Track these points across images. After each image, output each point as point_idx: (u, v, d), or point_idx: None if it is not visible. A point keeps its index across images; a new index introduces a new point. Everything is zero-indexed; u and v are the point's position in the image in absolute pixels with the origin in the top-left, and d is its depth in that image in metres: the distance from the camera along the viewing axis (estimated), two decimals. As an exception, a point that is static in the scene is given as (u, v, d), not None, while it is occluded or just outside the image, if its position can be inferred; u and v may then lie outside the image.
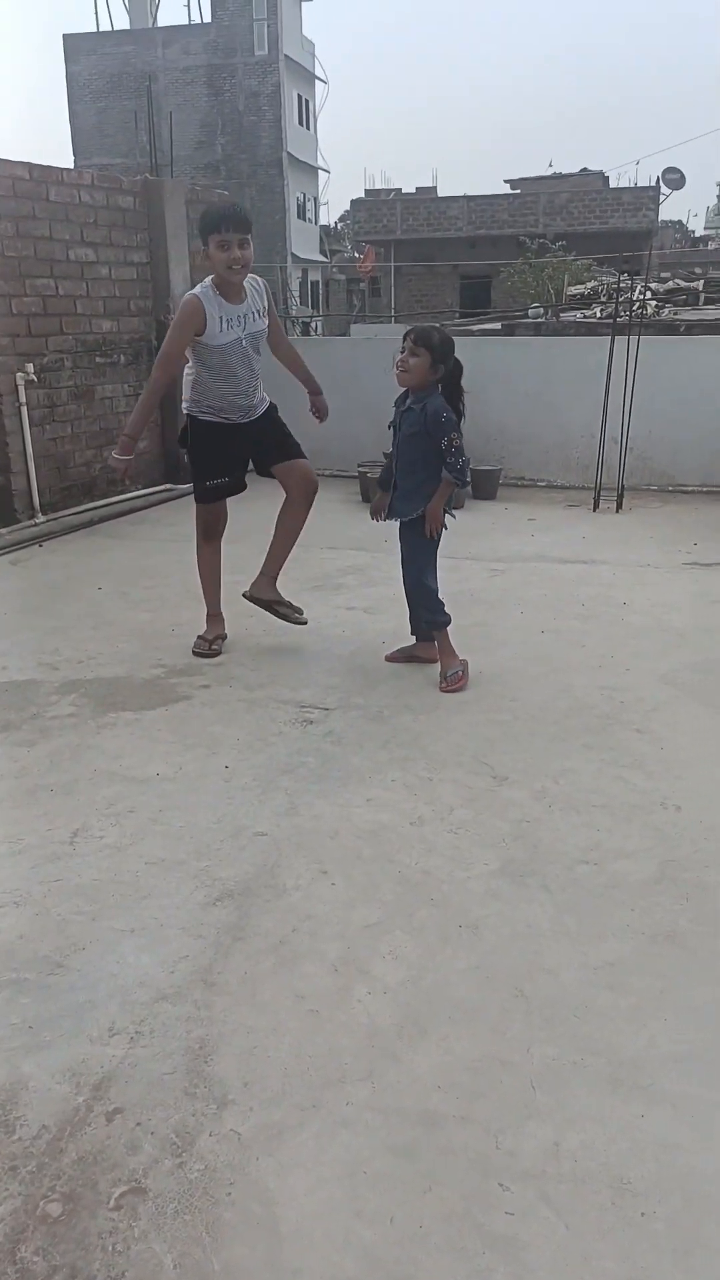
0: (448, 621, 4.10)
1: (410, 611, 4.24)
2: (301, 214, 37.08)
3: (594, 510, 7.24)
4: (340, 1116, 1.93)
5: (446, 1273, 1.62)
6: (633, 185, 34.49)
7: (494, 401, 8.22)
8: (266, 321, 4.26)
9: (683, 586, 5.32)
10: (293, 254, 35.52)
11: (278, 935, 2.48)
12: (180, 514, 7.30)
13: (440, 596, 4.12)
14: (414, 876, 2.72)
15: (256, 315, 4.19)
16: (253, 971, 2.35)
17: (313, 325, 28.17)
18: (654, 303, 13.72)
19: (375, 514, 4.25)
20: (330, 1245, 1.66)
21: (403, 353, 3.87)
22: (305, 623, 4.57)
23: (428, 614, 4.14)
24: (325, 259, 40.36)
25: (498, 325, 14.72)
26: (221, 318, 4.05)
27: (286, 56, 34.51)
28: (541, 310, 17.58)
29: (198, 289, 4.07)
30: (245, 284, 4.11)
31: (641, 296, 12.16)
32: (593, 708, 3.80)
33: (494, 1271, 1.61)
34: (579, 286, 19.16)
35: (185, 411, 4.31)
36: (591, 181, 35.91)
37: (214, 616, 4.57)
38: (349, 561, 5.89)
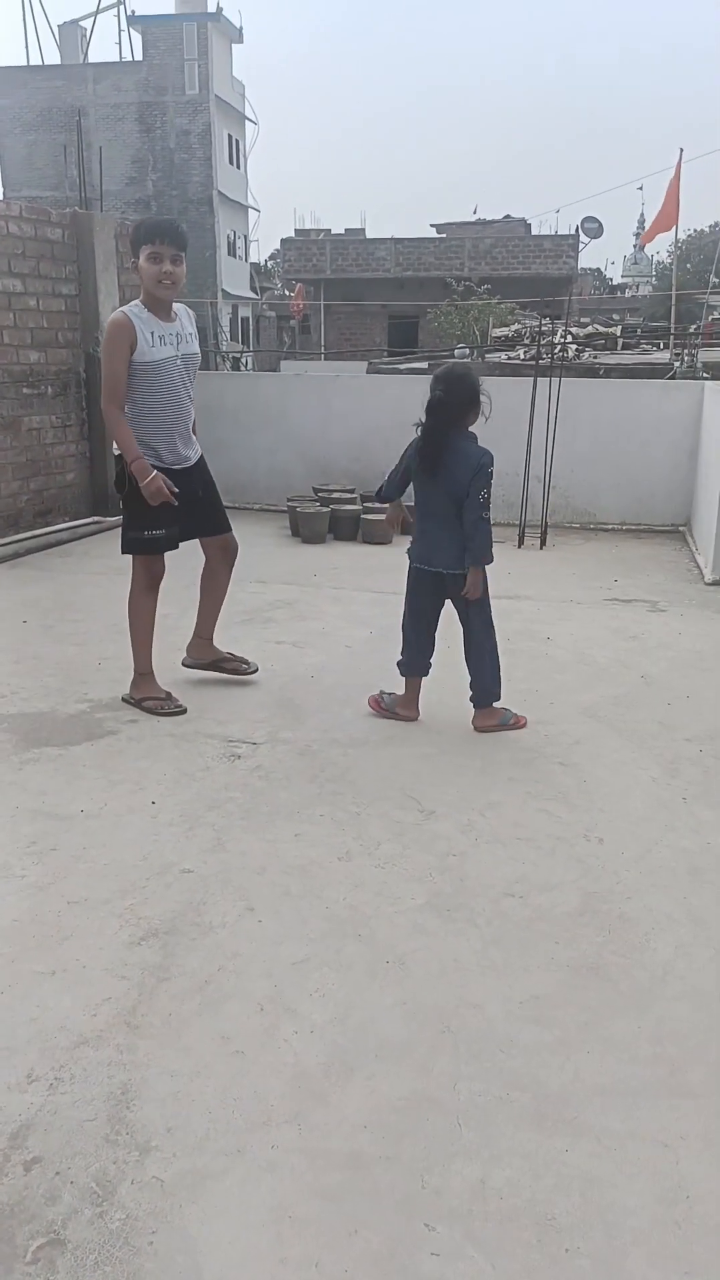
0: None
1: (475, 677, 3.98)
2: (232, 251, 37.31)
3: (519, 547, 7.37)
4: (265, 1161, 1.90)
5: (373, 1317, 1.60)
6: (554, 233, 35.52)
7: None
8: (197, 348, 4.12)
9: (603, 622, 5.43)
10: (223, 290, 35.67)
11: (203, 975, 2.45)
12: (106, 546, 7.24)
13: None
14: (341, 912, 2.71)
15: (189, 338, 4.05)
16: (177, 1013, 2.31)
17: (243, 361, 28.28)
18: (574, 346, 14.10)
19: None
20: (255, 1293, 1.63)
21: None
22: (255, 669, 4.45)
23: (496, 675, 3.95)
24: (256, 296, 40.63)
25: (425, 365, 14.96)
26: (153, 333, 3.89)
27: (217, 96, 34.86)
28: (468, 351, 17.93)
29: (124, 308, 3.92)
30: (176, 307, 4.01)
31: (563, 340, 12.48)
32: (517, 741, 3.85)
33: (420, 1314, 1.60)
34: (503, 329, 19.60)
35: (119, 454, 3.98)
36: (515, 228, 36.92)
37: (146, 676, 4.18)
38: (278, 596, 5.90)
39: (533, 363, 8.81)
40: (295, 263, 35.71)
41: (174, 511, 4.01)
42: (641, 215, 60.77)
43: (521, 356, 13.72)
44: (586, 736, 3.89)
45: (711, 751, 3.76)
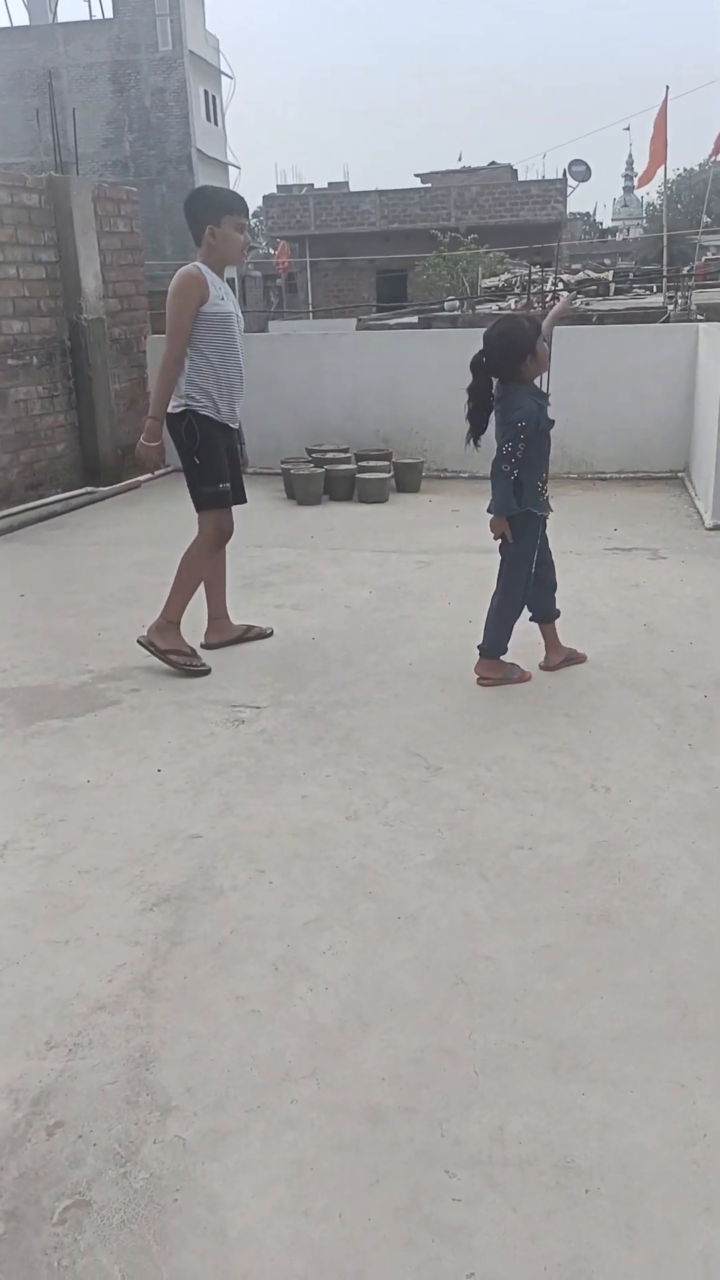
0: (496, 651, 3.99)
1: (549, 601, 4.09)
2: (214, 210, 36.74)
3: (516, 500, 7.31)
4: (285, 1116, 1.92)
5: (396, 1265, 1.62)
6: (540, 178, 34.94)
7: (414, 394, 8.27)
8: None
9: (604, 572, 5.40)
10: (207, 251, 35.18)
11: (216, 938, 2.46)
12: (101, 517, 7.21)
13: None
14: (351, 871, 2.73)
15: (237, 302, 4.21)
16: (192, 976, 2.32)
17: (230, 323, 27.88)
18: (566, 293, 13.90)
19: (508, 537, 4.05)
20: (279, 1246, 1.66)
21: (541, 348, 3.89)
22: (271, 632, 4.56)
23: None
24: (240, 255, 40.09)
25: (415, 319, 14.80)
26: (219, 289, 4.05)
27: (191, 52, 34.15)
28: (457, 303, 17.72)
29: (189, 266, 4.03)
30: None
31: (554, 288, 12.33)
32: (522, 694, 3.85)
33: (442, 1260, 1.62)
34: (493, 279, 19.35)
35: (183, 409, 4.04)
36: (500, 175, 36.29)
37: (175, 625, 4.20)
38: (276, 559, 5.87)
39: (525, 312, 8.70)
40: (279, 220, 35.19)
41: (227, 468, 4.21)
42: (630, 156, 59.83)
43: (513, 306, 13.55)
44: (591, 687, 3.88)
45: (716, 697, 3.75)
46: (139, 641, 4.22)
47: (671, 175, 40.64)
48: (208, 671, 4.16)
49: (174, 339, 3.99)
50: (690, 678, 3.93)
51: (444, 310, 16.96)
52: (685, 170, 47.28)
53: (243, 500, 4.38)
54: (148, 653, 4.18)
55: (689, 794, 3.07)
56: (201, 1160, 1.83)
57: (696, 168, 44.85)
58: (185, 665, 4.15)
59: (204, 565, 4.30)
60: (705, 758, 3.29)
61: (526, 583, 3.97)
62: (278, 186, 39.16)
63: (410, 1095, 1.96)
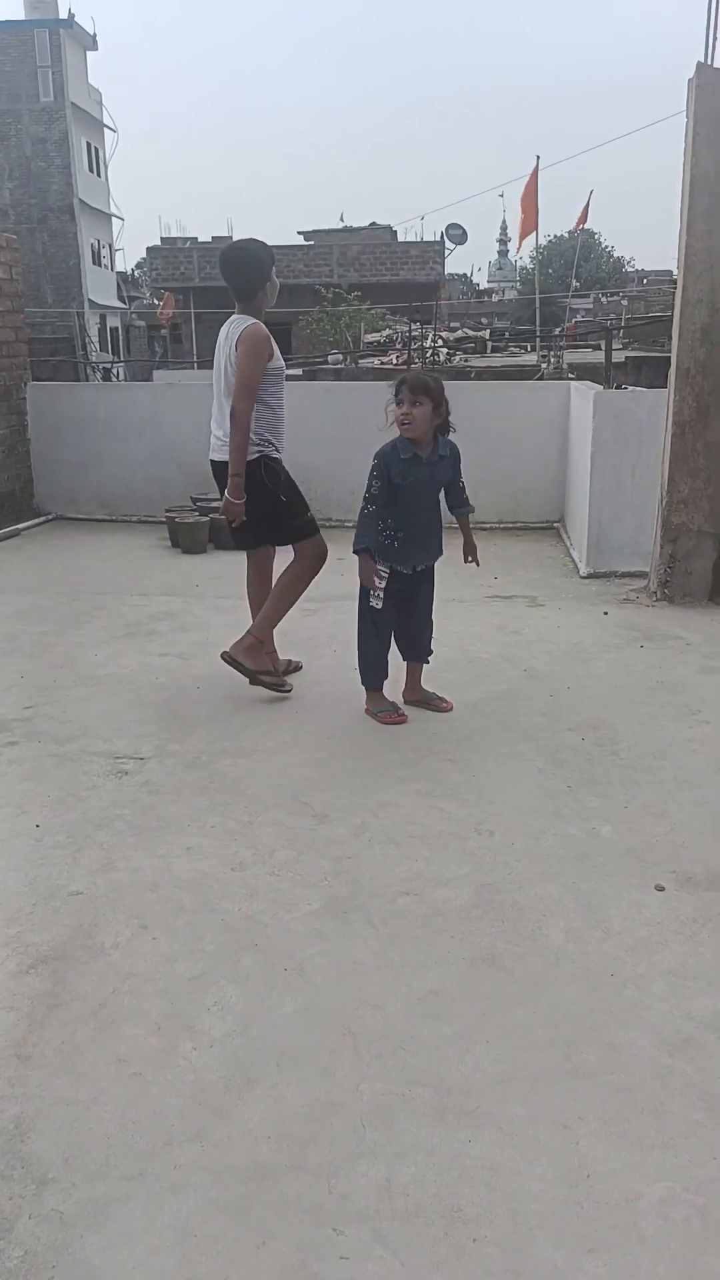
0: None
1: (414, 645, 4.20)
2: (97, 260, 36.68)
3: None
4: (169, 1181, 1.86)
5: (284, 1328, 1.58)
6: (419, 239, 36.09)
7: (300, 444, 8.32)
8: None
9: (485, 619, 5.52)
10: (90, 299, 35.03)
11: (97, 998, 2.38)
12: (-22, 566, 7.01)
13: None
14: (237, 923, 2.68)
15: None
16: (70, 1039, 2.24)
17: (114, 371, 27.78)
18: (445, 350, 14.34)
19: (373, 581, 3.96)
20: (162, 1318, 1.60)
21: (399, 405, 3.75)
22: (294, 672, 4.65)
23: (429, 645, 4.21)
24: (124, 305, 40.03)
25: (299, 371, 14.99)
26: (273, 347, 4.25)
27: (73, 104, 34.23)
28: (341, 357, 18.04)
29: (256, 324, 4.20)
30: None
31: (434, 344, 12.69)
32: (406, 741, 3.88)
33: (332, 1320, 1.59)
34: (375, 334, 19.80)
35: (258, 455, 4.24)
36: (381, 235, 37.38)
37: (266, 645, 4.47)
38: (160, 608, 5.81)
39: (405, 367, 8.92)
40: (163, 271, 35.36)
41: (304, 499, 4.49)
42: (504, 221, 62.35)
43: (394, 361, 13.88)
44: (474, 732, 3.95)
45: (593, 739, 3.86)
46: (223, 657, 4.31)
47: (543, 241, 42.54)
48: (290, 690, 4.34)
49: (248, 394, 4.14)
50: (568, 721, 4.04)
51: (328, 364, 17.24)
52: (555, 237, 49.56)
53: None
54: (232, 669, 4.29)
55: (569, 835, 3.14)
56: (80, 1233, 1.75)
57: (566, 235, 47.06)
58: (275, 686, 4.32)
59: (303, 588, 4.46)
60: (584, 799, 3.38)
61: (372, 624, 4.08)
62: (161, 239, 39.40)
63: (298, 1152, 1.93)
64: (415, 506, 3.95)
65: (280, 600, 4.45)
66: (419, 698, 4.21)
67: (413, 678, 4.23)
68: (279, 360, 4.28)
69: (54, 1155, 1.92)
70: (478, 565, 4.20)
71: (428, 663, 4.25)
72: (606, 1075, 2.12)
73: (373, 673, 4.12)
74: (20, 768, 3.67)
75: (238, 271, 4.24)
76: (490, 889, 2.84)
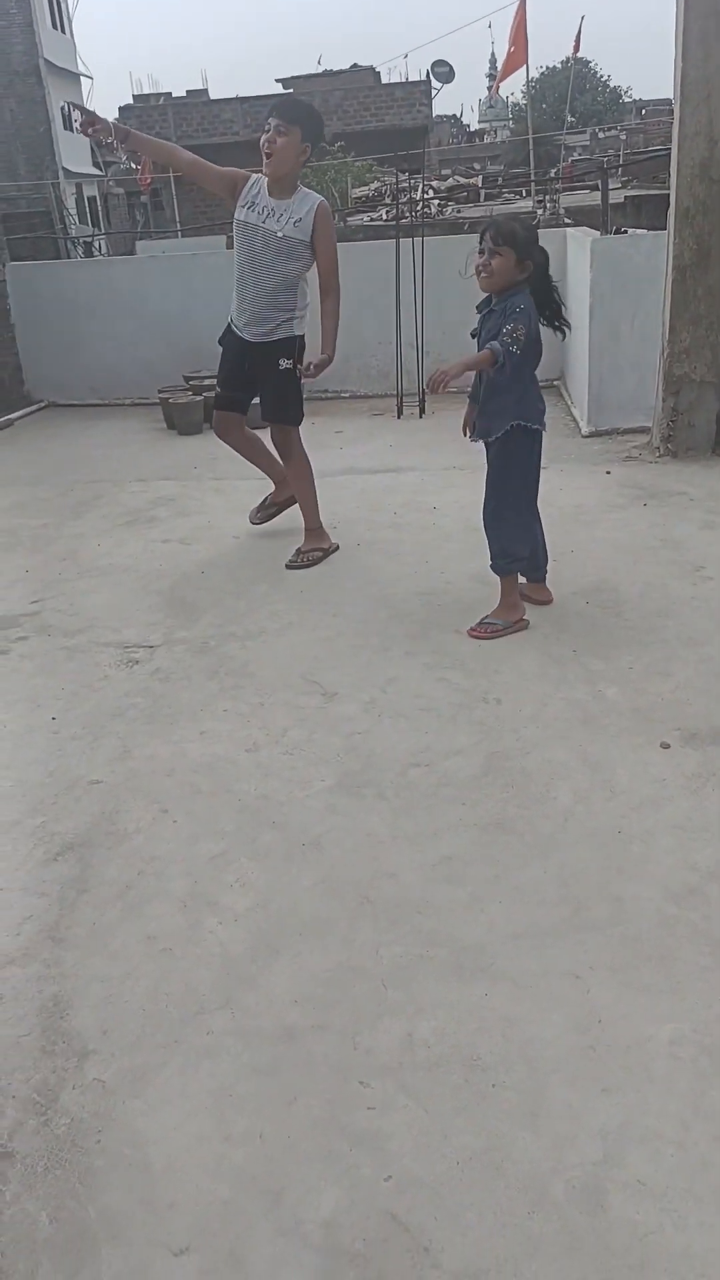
0: (516, 566, 3.72)
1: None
2: (68, 125, 34.82)
3: (398, 418, 7.30)
4: (202, 1047, 1.97)
5: (317, 1177, 1.69)
6: (404, 80, 34.10)
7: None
8: (301, 239, 4.16)
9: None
10: (64, 169, 33.43)
11: (123, 881, 2.47)
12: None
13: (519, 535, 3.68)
14: (253, 803, 2.76)
15: (292, 223, 4.14)
16: (101, 921, 2.34)
17: (95, 245, 26.74)
18: (436, 201, 13.73)
19: (466, 428, 3.71)
20: (203, 1173, 1.71)
21: (481, 254, 3.40)
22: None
23: (496, 548, 3.68)
24: (100, 172, 38.24)
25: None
26: (254, 200, 4.14)
27: (29, -49, 31.90)
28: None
29: (312, 193, 4.24)
30: (299, 196, 4.17)
31: (424, 196, 12.14)
32: (412, 614, 3.90)
33: (361, 1167, 1.70)
34: (363, 188, 18.94)
35: (299, 334, 4.37)
36: (363, 78, 35.33)
37: (278, 483, 4.81)
38: (159, 493, 5.76)
39: (395, 223, 8.56)
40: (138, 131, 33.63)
41: (230, 372, 4.52)
42: (492, 55, 58.66)
43: (384, 217, 13.31)
44: (478, 602, 3.95)
45: (596, 602, 3.86)
46: (290, 566, 4.43)
47: (535, 74, 40.05)
48: (336, 548, 4.58)
49: (337, 274, 4.33)
50: (572, 585, 4.03)
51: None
52: (548, 68, 46.68)
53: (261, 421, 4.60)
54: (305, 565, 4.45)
55: (575, 699, 3.18)
56: (122, 1099, 1.86)
57: (559, 65, 44.30)
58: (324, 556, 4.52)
59: (308, 468, 4.58)
60: (589, 662, 3.40)
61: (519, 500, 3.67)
62: (134, 96, 37.34)
63: (322, 1014, 2.03)
64: (538, 356, 3.52)
65: (307, 489, 4.58)
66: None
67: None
68: (240, 211, 4.22)
69: (92, 1029, 2.03)
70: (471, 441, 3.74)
71: (495, 571, 3.73)
72: (615, 927, 2.21)
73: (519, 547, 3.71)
74: (32, 662, 3.71)
75: (312, 121, 4.13)
76: (499, 756, 2.90)
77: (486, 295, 3.51)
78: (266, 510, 4.89)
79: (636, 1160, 1.68)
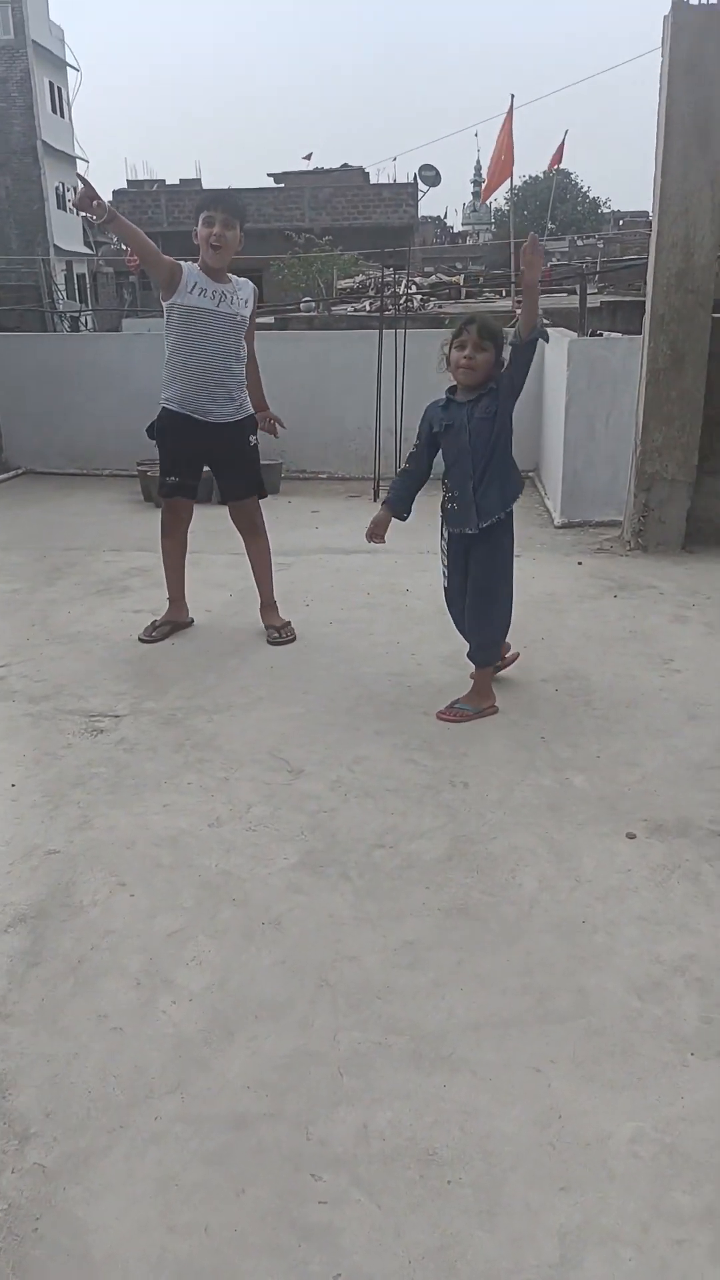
0: (497, 656, 3.81)
1: (467, 632, 3.79)
2: (62, 204, 35.75)
3: (374, 500, 7.39)
4: (149, 1133, 1.89)
5: (264, 1272, 1.62)
6: (392, 182, 35.43)
7: (272, 396, 8.23)
8: (248, 316, 4.35)
9: (461, 571, 5.52)
10: (55, 245, 34.22)
11: (76, 955, 2.41)
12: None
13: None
14: (214, 879, 2.71)
15: (240, 303, 4.30)
16: (50, 997, 2.27)
17: (82, 320, 27.22)
18: (419, 296, 14.15)
19: (375, 535, 3.87)
20: (145, 1265, 1.63)
21: (463, 350, 3.41)
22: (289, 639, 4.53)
23: (485, 638, 3.72)
24: (91, 251, 39.16)
25: (271, 319, 14.76)
26: (197, 284, 4.20)
27: (34, 41, 33.15)
28: (314, 304, 17.77)
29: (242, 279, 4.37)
30: (234, 279, 4.32)
31: (407, 290, 12.51)
32: (382, 695, 3.90)
33: (310, 1263, 1.63)
34: (348, 280, 19.49)
35: (160, 403, 4.38)
36: (352, 177, 36.67)
37: (174, 601, 4.69)
38: (133, 564, 5.77)
39: (379, 314, 8.80)
40: (130, 215, 34.13)
41: (184, 460, 4.46)
42: (478, 162, 61.23)
43: (367, 308, 13.69)
44: (448, 685, 3.96)
45: (566, 690, 3.89)
46: (272, 641, 4.46)
47: (518, 182, 41.77)
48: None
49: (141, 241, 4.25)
50: (542, 672, 4.06)
51: (300, 311, 16.99)
52: (531, 178, 48.74)
53: (229, 499, 4.69)
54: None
55: (543, 786, 3.18)
56: (63, 1185, 1.78)
57: (540, 175, 46.28)
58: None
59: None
60: (557, 750, 3.41)
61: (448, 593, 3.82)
62: (128, 182, 38.44)
63: (276, 1100, 1.97)
64: (455, 452, 3.58)
65: (268, 565, 4.70)
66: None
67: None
68: (189, 297, 4.28)
69: (36, 1110, 1.95)
70: None
71: (477, 663, 3.74)
72: (578, 1019, 2.17)
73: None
74: (-5, 727, 3.66)
75: (245, 216, 4.32)
76: (465, 840, 2.87)
77: (448, 394, 3.57)
78: (160, 629, 4.58)
79: (594, 1263, 1.63)
